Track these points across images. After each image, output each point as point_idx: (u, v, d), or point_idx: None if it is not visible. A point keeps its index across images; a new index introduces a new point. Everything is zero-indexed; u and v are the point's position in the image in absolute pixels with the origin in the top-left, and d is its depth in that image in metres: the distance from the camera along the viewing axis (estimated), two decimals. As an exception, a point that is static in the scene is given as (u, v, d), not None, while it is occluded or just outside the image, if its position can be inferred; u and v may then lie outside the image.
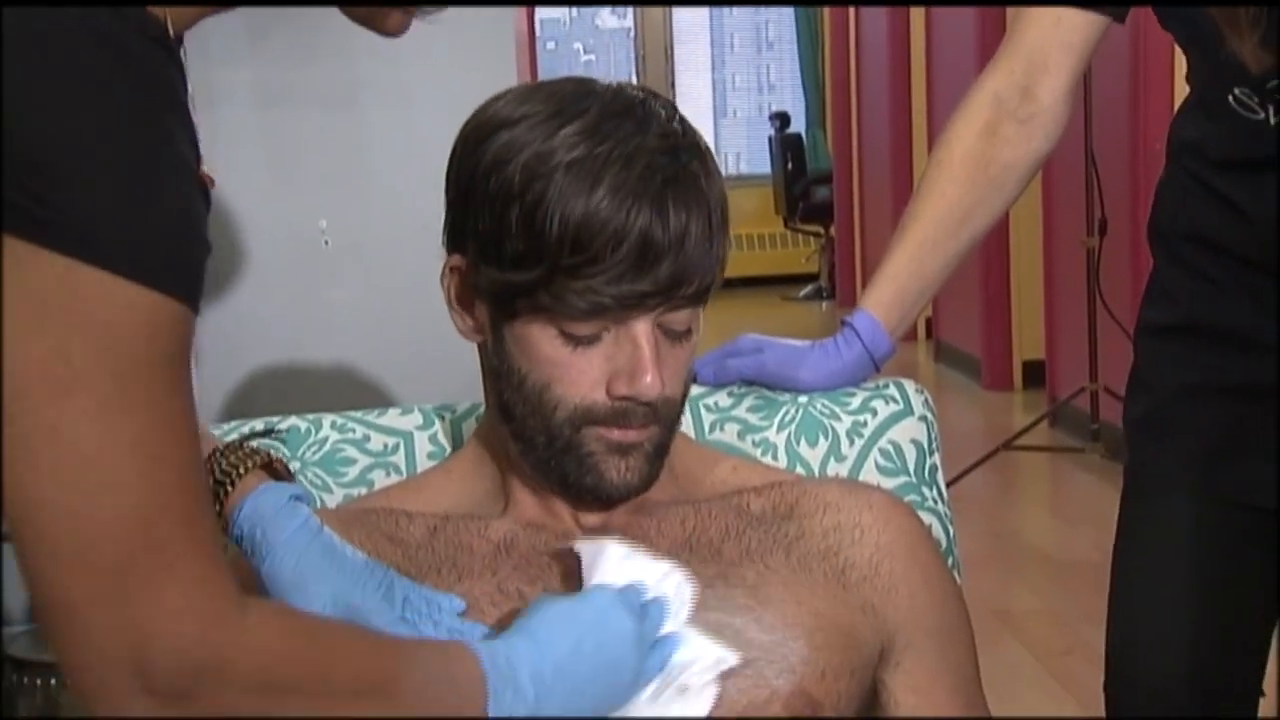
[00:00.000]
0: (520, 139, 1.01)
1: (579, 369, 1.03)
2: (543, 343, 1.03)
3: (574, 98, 1.02)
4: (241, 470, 1.02)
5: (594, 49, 9.74)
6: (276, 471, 1.05)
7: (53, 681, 1.73)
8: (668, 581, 0.99)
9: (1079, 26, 1.37)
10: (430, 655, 0.87)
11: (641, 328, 1.02)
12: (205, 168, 0.79)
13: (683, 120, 1.04)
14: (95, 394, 0.70)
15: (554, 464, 1.06)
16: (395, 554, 1.08)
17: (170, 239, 0.73)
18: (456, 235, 1.06)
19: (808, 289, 8.74)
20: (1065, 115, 1.39)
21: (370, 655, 0.82)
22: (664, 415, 1.06)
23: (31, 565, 0.72)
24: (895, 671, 1.11)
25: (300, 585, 0.97)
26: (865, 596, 1.11)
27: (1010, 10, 1.36)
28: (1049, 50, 1.37)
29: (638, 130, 1.01)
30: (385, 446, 1.27)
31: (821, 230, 8.65)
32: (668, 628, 0.97)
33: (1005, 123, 1.36)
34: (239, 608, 0.75)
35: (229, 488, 1.02)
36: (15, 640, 1.77)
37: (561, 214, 0.98)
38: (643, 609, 0.96)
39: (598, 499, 1.07)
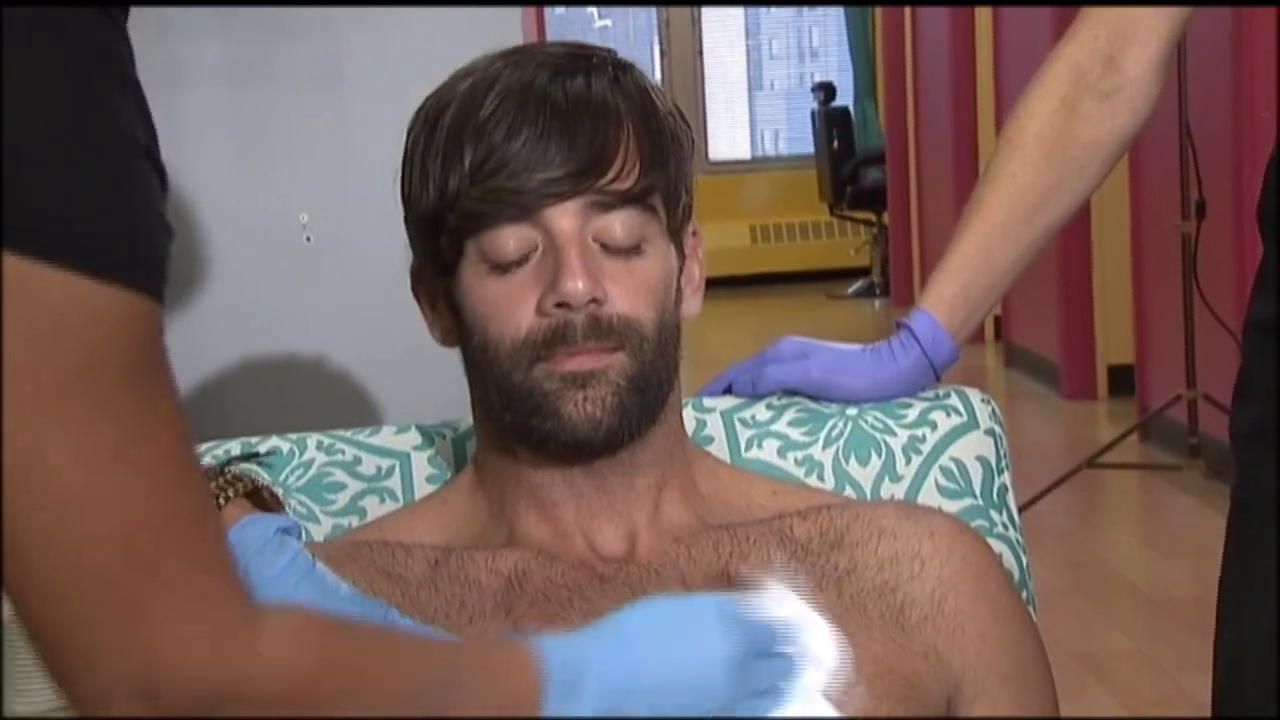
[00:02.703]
0: (441, 99, 1.11)
1: (510, 297, 1.08)
2: (475, 283, 1.09)
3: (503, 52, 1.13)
4: (222, 500, 1.04)
5: (610, 13, 9.76)
6: (263, 500, 1.06)
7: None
8: (814, 632, 0.99)
9: None
10: (482, 662, 0.89)
11: (563, 226, 1.07)
12: (166, 153, 0.80)
13: (612, 53, 1.13)
14: (62, 407, 0.72)
15: (518, 422, 1.09)
16: (394, 593, 1.09)
17: (129, 228, 0.74)
18: (406, 226, 1.14)
19: (857, 285, 8.74)
20: (1156, 89, 1.38)
21: (408, 666, 0.84)
22: (625, 337, 1.08)
23: (16, 597, 0.74)
24: (964, 724, 1.12)
25: None
26: (928, 640, 1.11)
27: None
28: (1139, 14, 1.36)
29: (541, 50, 1.11)
30: (379, 470, 1.28)
31: (873, 218, 8.66)
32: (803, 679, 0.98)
33: (1085, 97, 1.36)
34: (252, 623, 0.77)
35: None
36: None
37: (459, 130, 1.08)
38: (752, 636, 0.97)
39: (563, 446, 1.09)
